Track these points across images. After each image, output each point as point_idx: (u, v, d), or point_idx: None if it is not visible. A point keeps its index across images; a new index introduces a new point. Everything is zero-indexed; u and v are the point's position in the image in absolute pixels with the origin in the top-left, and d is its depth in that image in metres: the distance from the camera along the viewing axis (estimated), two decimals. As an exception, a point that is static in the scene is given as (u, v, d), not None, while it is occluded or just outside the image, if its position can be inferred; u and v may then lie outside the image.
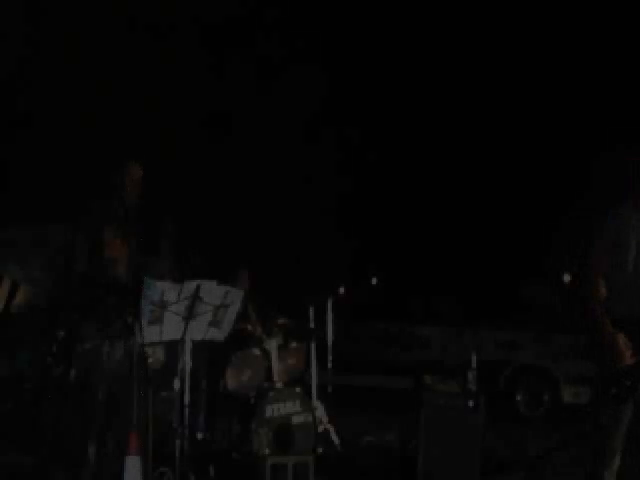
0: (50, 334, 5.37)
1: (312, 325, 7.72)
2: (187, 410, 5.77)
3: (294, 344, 7.28)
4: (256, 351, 6.90)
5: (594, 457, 4.48)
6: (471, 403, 6.50)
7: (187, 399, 5.78)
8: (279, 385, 6.72)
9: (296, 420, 6.57)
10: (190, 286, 5.38)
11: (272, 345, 6.86)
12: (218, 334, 5.79)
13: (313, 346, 7.59)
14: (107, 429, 5.14)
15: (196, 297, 5.41)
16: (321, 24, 14.29)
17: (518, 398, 10.85)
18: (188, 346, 5.70)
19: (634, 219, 4.49)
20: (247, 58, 14.03)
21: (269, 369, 6.83)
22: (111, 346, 5.13)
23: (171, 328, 5.42)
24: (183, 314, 5.42)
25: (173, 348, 5.82)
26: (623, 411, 4.36)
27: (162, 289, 5.25)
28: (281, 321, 7.18)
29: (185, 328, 5.50)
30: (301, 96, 14.11)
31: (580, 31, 14.78)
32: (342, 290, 12.16)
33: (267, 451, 6.35)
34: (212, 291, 5.52)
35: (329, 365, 7.96)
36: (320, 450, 6.85)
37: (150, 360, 5.32)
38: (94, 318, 5.09)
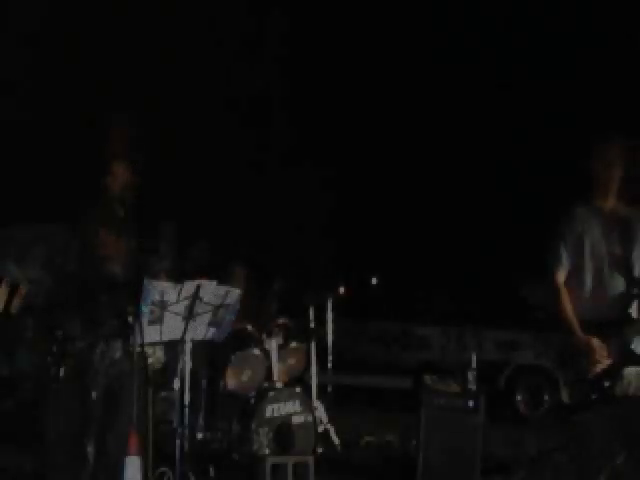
0: (50, 334, 5.37)
1: (312, 325, 7.72)
2: (187, 410, 5.77)
3: (294, 344, 7.29)
4: (256, 351, 6.90)
5: (587, 462, 4.46)
6: (471, 403, 6.50)
7: (187, 399, 5.78)
8: (279, 385, 6.72)
9: (296, 420, 6.57)
10: (190, 286, 5.38)
11: (272, 345, 6.86)
12: (218, 334, 5.79)
13: (313, 346, 7.59)
14: (107, 429, 5.13)
15: (196, 297, 5.41)
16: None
17: (518, 398, 10.85)
18: (188, 346, 5.71)
19: (593, 219, 4.50)
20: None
21: (269, 369, 6.83)
22: (107, 345, 5.11)
23: (171, 328, 5.42)
24: (183, 314, 5.42)
25: (173, 348, 5.82)
26: (603, 413, 4.35)
27: (162, 289, 5.25)
28: (281, 321, 7.18)
29: (185, 328, 5.50)
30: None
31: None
32: (342, 290, 12.15)
33: (267, 451, 6.35)
34: (212, 291, 5.52)
35: (329, 365, 7.96)
36: (320, 450, 6.85)
37: (150, 360, 5.32)
38: (85, 317, 5.08)
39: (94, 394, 5.06)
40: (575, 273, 4.49)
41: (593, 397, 4.31)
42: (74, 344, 5.06)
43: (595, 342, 4.29)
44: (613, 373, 4.31)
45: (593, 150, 4.61)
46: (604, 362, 4.28)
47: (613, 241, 4.50)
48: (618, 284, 4.46)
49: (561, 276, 4.48)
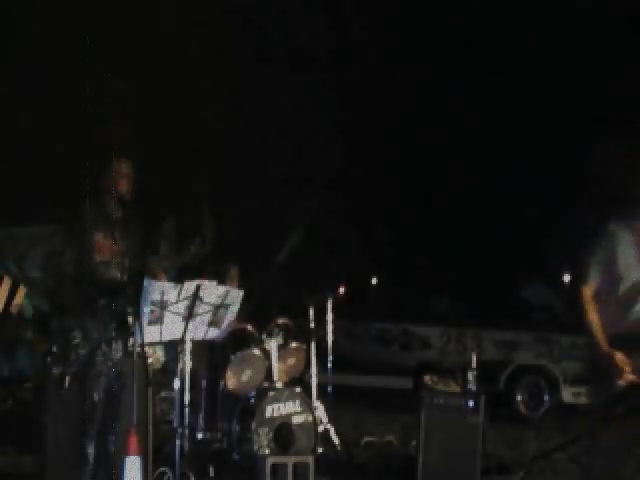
0: (50, 335, 5.38)
1: (312, 325, 7.72)
2: (187, 410, 5.77)
3: (294, 344, 7.27)
4: (256, 351, 6.90)
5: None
6: (471, 403, 6.50)
7: (187, 399, 5.78)
8: (279, 385, 6.72)
9: (296, 420, 6.56)
10: (190, 286, 5.38)
11: (272, 345, 6.85)
12: (218, 334, 5.79)
13: (313, 346, 7.59)
14: (107, 429, 5.13)
15: (196, 297, 5.41)
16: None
17: (518, 398, 10.85)
18: (188, 346, 5.71)
19: (627, 236, 4.49)
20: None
21: (269, 369, 6.82)
22: (107, 346, 5.11)
23: (171, 328, 5.42)
24: (183, 314, 5.42)
25: (173, 348, 5.82)
26: (625, 429, 4.33)
27: (162, 289, 5.24)
28: (281, 321, 7.18)
29: (185, 328, 5.50)
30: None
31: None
32: (342, 290, 12.16)
33: (267, 451, 6.34)
34: (212, 291, 5.52)
35: (329, 365, 7.96)
36: (320, 450, 6.85)
37: (150, 360, 5.32)
38: (86, 321, 5.07)
39: (96, 396, 5.06)
40: (606, 288, 4.47)
41: (618, 410, 4.28)
42: (76, 347, 5.05)
43: (619, 356, 4.27)
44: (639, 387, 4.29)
45: (629, 165, 4.58)
46: (629, 376, 4.26)
47: None
48: None
49: (590, 290, 4.47)
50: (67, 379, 5.02)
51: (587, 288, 4.47)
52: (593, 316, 4.41)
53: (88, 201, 5.31)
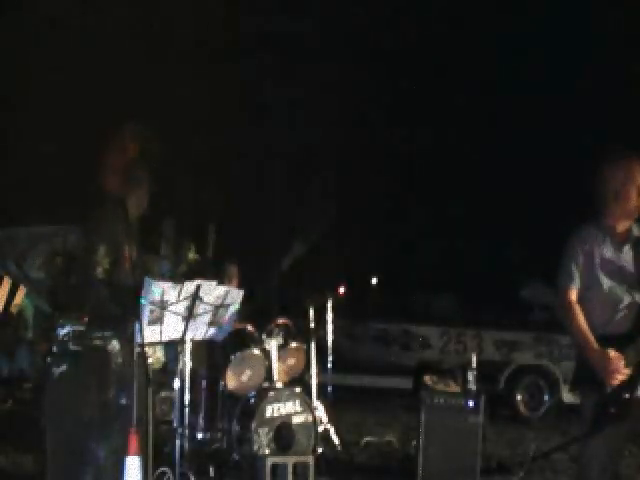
0: (50, 334, 5.36)
1: (312, 325, 7.72)
2: (187, 410, 5.77)
3: (294, 344, 7.28)
4: (256, 351, 6.90)
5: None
6: (471, 403, 6.51)
7: (187, 399, 5.78)
8: (279, 385, 6.72)
9: (296, 420, 6.56)
10: (190, 286, 5.38)
11: (272, 345, 6.86)
12: (218, 334, 5.78)
13: (313, 346, 7.59)
14: (107, 429, 5.13)
15: (196, 297, 5.41)
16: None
17: (518, 398, 10.86)
18: (188, 346, 5.71)
19: (604, 238, 4.48)
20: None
21: (269, 369, 6.83)
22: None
23: (171, 328, 5.41)
24: (183, 314, 5.42)
25: (173, 348, 5.82)
26: (616, 428, 4.32)
27: (162, 289, 5.24)
28: (281, 321, 7.18)
29: (185, 328, 5.49)
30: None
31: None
32: (342, 290, 12.18)
33: (267, 451, 6.35)
34: (212, 291, 5.52)
35: (329, 365, 7.96)
36: (320, 450, 6.85)
37: (150, 360, 5.31)
38: (114, 324, 5.06)
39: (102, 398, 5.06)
40: (587, 291, 4.46)
41: (612, 410, 4.27)
42: (99, 349, 5.02)
43: (611, 353, 4.25)
44: (631, 384, 4.27)
45: (604, 167, 4.55)
46: (622, 372, 4.25)
47: (625, 260, 4.47)
48: (631, 300, 4.44)
49: (573, 294, 4.45)
50: (63, 371, 5.01)
51: (570, 293, 4.46)
52: (579, 319, 4.39)
53: (116, 213, 5.29)
